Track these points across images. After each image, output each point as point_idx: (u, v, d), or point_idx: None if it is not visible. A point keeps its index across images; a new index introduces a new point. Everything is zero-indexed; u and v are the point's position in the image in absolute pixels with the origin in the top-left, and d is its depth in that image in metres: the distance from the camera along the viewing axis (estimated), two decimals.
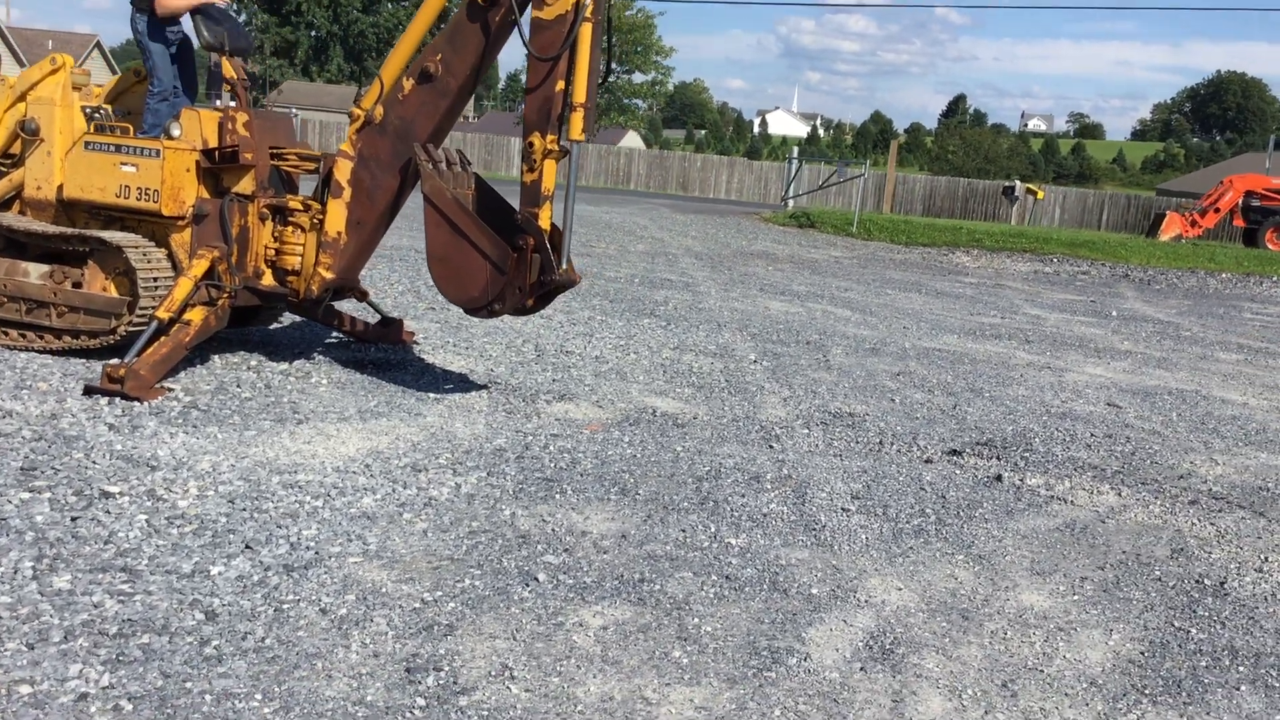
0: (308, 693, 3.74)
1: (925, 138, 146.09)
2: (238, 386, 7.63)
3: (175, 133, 7.90)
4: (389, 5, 68.11)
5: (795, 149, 38.36)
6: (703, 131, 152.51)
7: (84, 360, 7.85)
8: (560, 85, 7.13)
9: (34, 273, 8.05)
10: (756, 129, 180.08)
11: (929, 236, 24.47)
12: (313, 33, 69.93)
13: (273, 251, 8.09)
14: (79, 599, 4.32)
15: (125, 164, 7.86)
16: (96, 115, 8.45)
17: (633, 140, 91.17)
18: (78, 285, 7.93)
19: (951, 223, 29.69)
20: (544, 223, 7.25)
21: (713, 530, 5.52)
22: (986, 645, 4.48)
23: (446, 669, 3.95)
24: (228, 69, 8.20)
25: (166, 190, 7.76)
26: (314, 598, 4.49)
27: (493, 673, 3.95)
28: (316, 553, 4.95)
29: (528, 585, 4.71)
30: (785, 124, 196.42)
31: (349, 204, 7.85)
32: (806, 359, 10.15)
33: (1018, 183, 40.87)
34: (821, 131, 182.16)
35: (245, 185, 7.95)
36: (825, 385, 9.08)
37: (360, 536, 5.17)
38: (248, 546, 4.97)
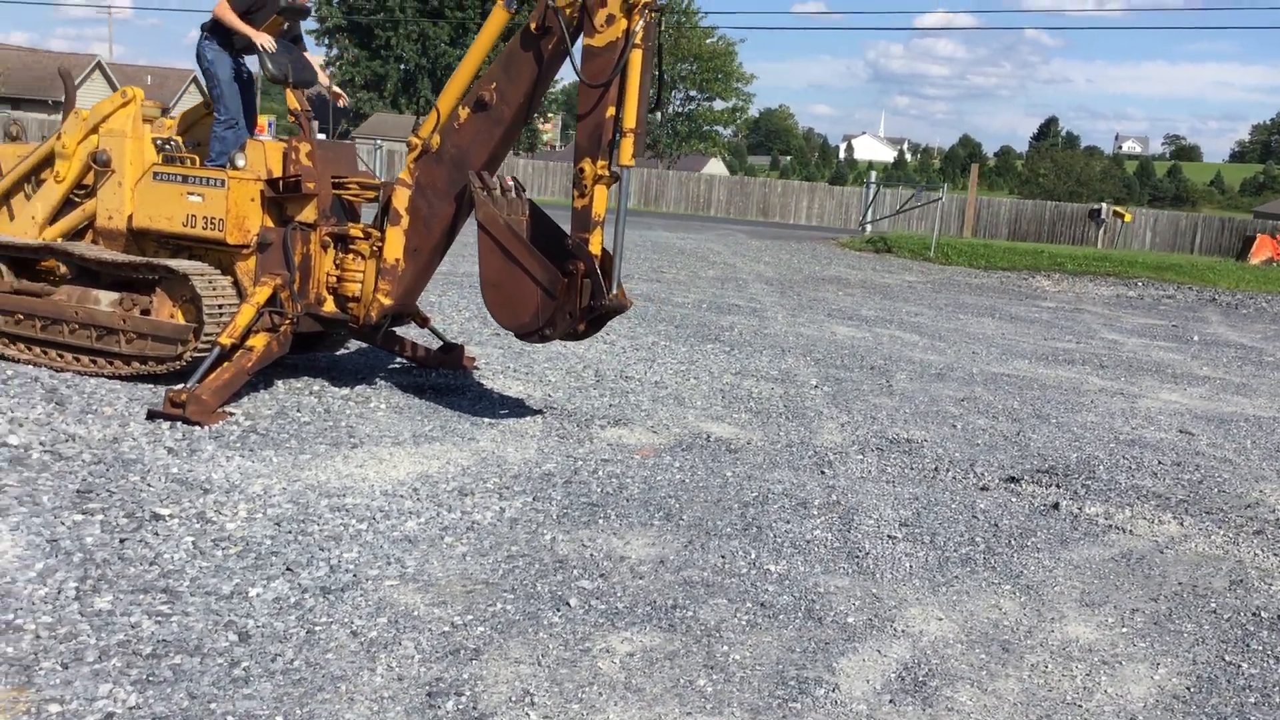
0: (328, 715, 3.76)
1: (1015, 161, 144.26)
2: (298, 411, 7.74)
3: (240, 163, 8.08)
4: (474, 38, 68.84)
5: (873, 173, 38.03)
6: (788, 158, 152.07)
7: (150, 386, 8.02)
8: (611, 111, 7.18)
9: (104, 300, 8.26)
10: (842, 154, 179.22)
11: (1009, 260, 24.13)
12: (401, 66, 71.02)
13: (334, 279, 8.22)
14: (117, 619, 4.40)
15: (192, 194, 8.05)
16: (167, 146, 8.67)
17: (716, 167, 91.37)
18: (146, 312, 8.12)
19: (1033, 246, 29.27)
20: (595, 248, 7.28)
21: (752, 556, 5.47)
22: (1025, 678, 4.37)
23: (468, 694, 3.95)
24: (291, 100, 8.37)
25: (231, 219, 7.93)
26: (347, 620, 4.52)
27: (513, 698, 3.94)
28: (355, 575, 4.99)
29: (559, 610, 4.71)
30: (872, 149, 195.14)
31: (406, 231, 7.96)
32: (869, 384, 10.05)
33: (1104, 205, 40.14)
34: (908, 156, 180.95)
35: (308, 214, 8.10)
36: (885, 411, 8.98)
37: (399, 560, 5.21)
38: (288, 569, 5.04)
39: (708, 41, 60.83)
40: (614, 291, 7.28)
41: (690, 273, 18.82)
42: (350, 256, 8.18)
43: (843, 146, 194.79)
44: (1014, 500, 6.69)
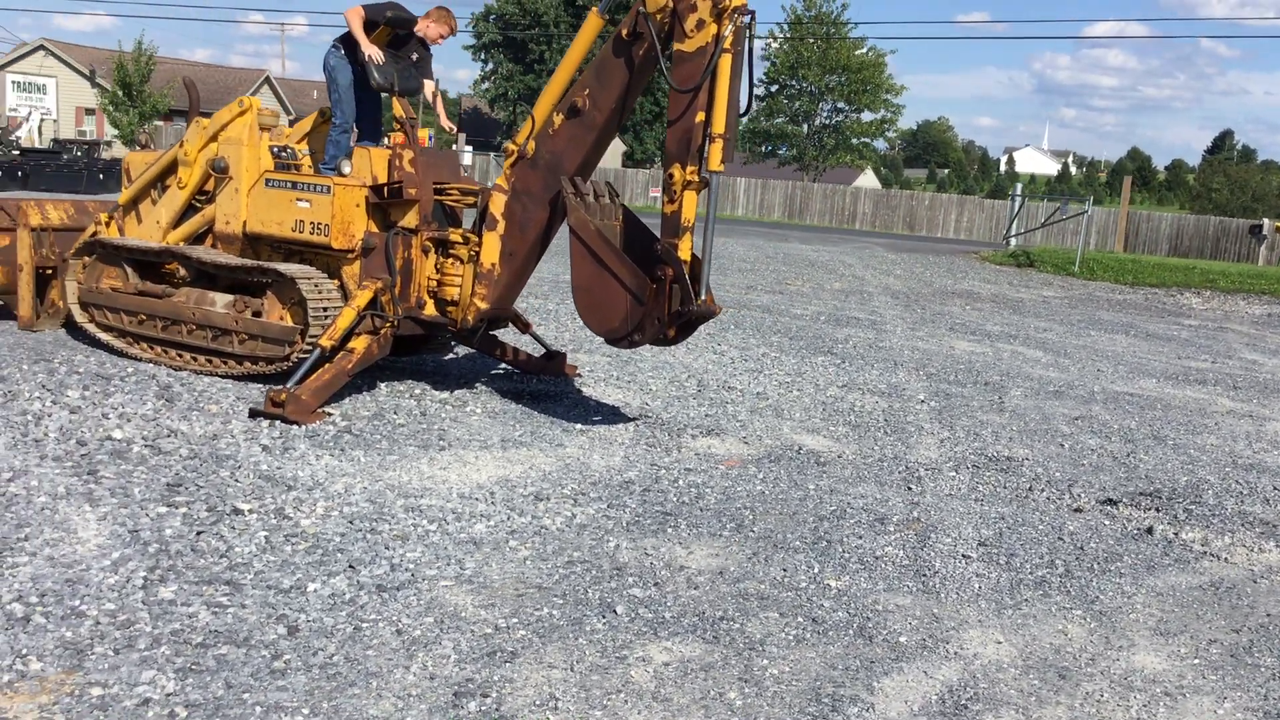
0: (352, 710, 3.82)
1: (1187, 175, 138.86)
2: (394, 413, 7.90)
3: (346, 170, 8.30)
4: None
5: (1018, 186, 37.02)
6: (945, 170, 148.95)
7: (259, 385, 8.28)
8: (700, 117, 7.13)
9: (219, 302, 8.56)
10: (1003, 167, 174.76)
11: (1157, 277, 23.25)
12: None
13: (434, 283, 8.37)
14: (177, 609, 4.55)
15: (300, 200, 8.30)
16: (283, 154, 8.95)
17: (868, 179, 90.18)
18: (257, 314, 8.39)
19: (1186, 262, 28.16)
20: (684, 253, 7.24)
21: (815, 571, 5.37)
22: (1076, 708, 4.19)
23: (494, 695, 3.97)
24: (397, 108, 8.57)
25: (337, 225, 8.14)
26: (395, 618, 4.59)
27: (538, 702, 3.94)
28: (413, 574, 5.06)
29: (604, 617, 4.69)
30: (1034, 162, 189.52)
31: (502, 236, 8.07)
32: (980, 400, 9.79)
33: (1266, 221, 38.35)
34: (1074, 169, 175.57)
35: (410, 219, 8.27)
36: (991, 428, 8.73)
37: (460, 561, 5.26)
38: (351, 566, 5.14)
39: (857, 53, 60.12)
40: (702, 297, 7.23)
41: (815, 285, 18.63)
42: (450, 261, 8.33)
43: (1003, 159, 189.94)
44: (1107, 523, 6.43)
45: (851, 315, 14.90)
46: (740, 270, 20.13)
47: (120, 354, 8.95)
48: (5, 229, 9.66)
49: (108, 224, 9.61)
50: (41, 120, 25.94)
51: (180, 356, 8.75)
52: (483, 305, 8.19)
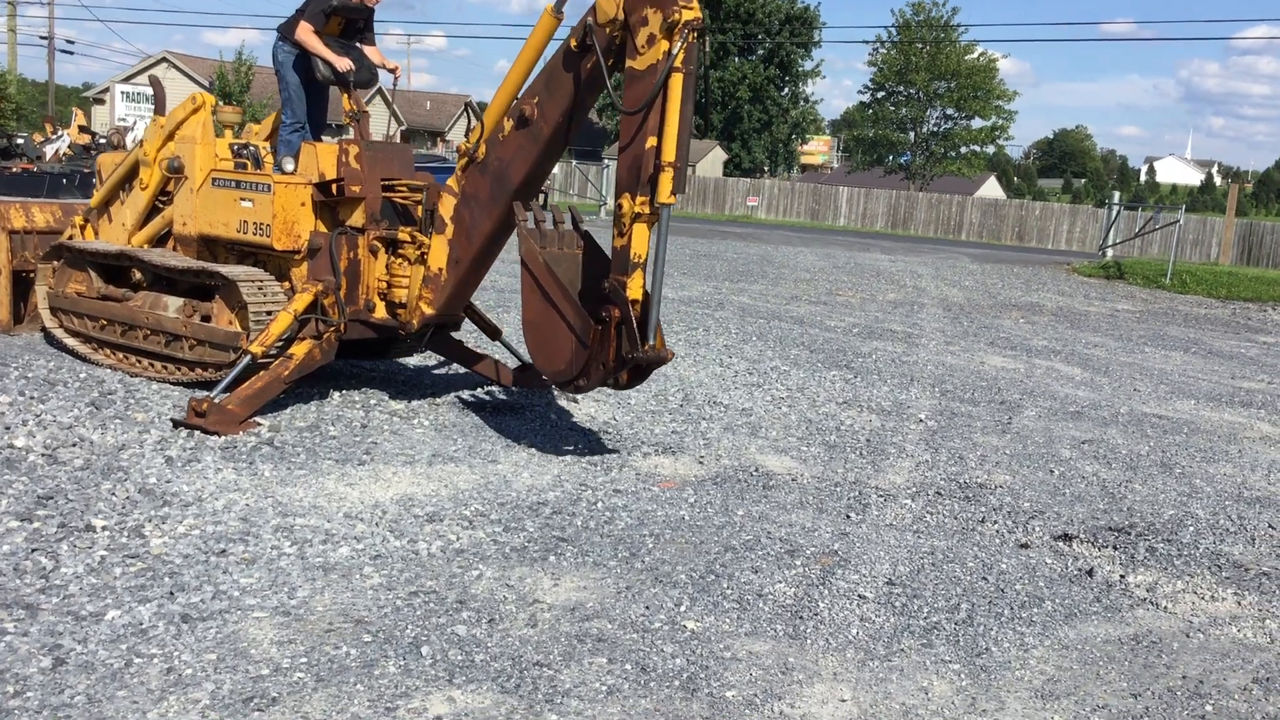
0: None
1: None
2: (333, 424, 7.50)
3: (288, 167, 7.94)
4: (735, 60, 68.97)
5: (1116, 194, 35.41)
6: (1082, 180, 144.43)
7: (208, 393, 7.96)
8: (652, 142, 6.51)
9: (172, 306, 8.28)
10: (1143, 177, 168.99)
11: (1254, 291, 21.83)
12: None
13: (384, 284, 7.96)
14: None
15: (244, 199, 7.97)
16: (244, 152, 8.65)
17: (992, 188, 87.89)
18: (206, 319, 8.08)
19: None
20: (633, 292, 6.58)
21: (680, 610, 4.79)
22: None
23: None
24: (346, 102, 8.20)
25: (279, 224, 7.79)
26: (176, 654, 4.15)
27: None
28: (231, 604, 4.63)
29: (405, 659, 4.19)
30: (1176, 171, 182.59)
31: (450, 240, 7.61)
32: (986, 420, 9.02)
33: None
34: (1217, 179, 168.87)
35: (356, 218, 7.88)
36: (982, 451, 7.99)
37: (294, 589, 4.81)
38: (171, 592, 4.73)
39: (967, 59, 58.62)
40: (650, 341, 6.51)
41: (868, 295, 17.82)
42: (399, 261, 7.91)
43: (1144, 169, 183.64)
44: (1049, 562, 5.69)
45: (888, 328, 14.12)
46: (797, 280, 19.42)
47: (84, 359, 8.73)
48: None
49: (82, 227, 9.43)
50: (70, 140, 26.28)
51: (139, 362, 8.49)
52: (428, 310, 7.75)
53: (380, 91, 75.21)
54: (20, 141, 37.17)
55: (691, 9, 6.47)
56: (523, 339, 7.59)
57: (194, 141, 8.40)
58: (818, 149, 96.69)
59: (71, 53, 63.15)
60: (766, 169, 69.99)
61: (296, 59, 8.37)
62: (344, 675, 4.03)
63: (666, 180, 6.44)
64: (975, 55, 59.04)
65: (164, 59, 70.19)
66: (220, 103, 8.71)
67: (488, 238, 7.53)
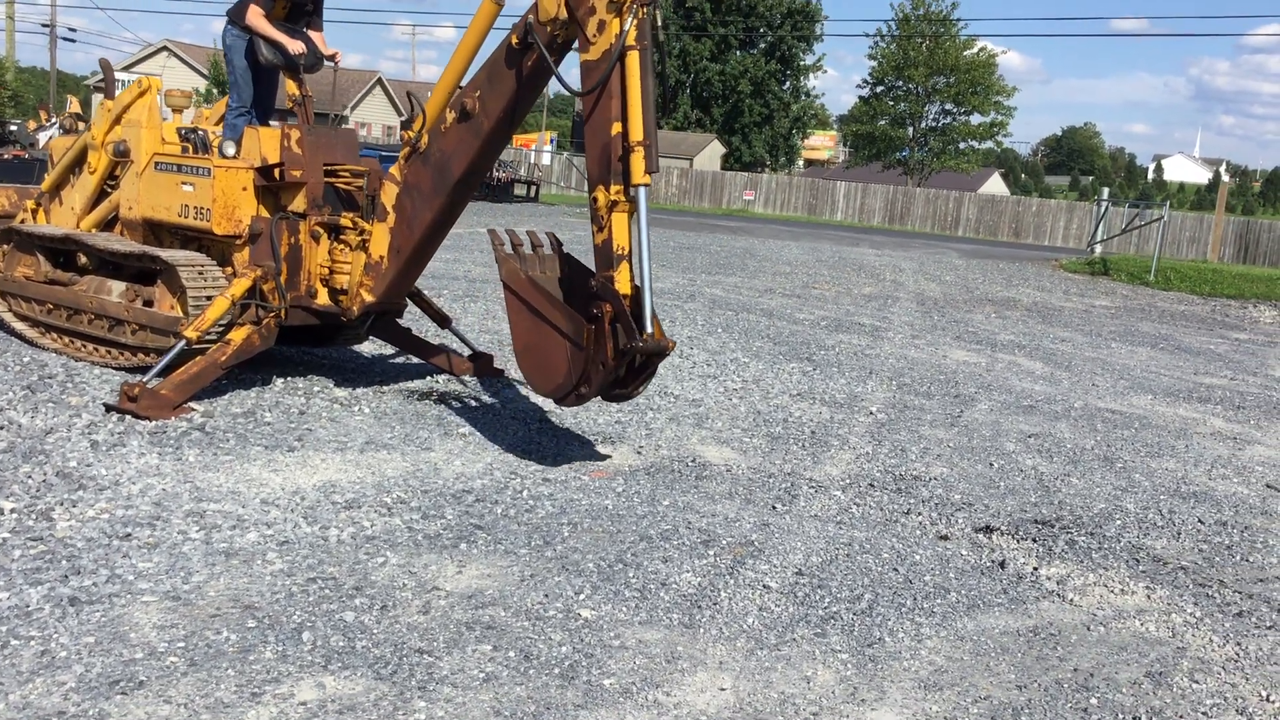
0: None
1: None
2: (271, 410, 7.45)
3: (229, 151, 7.88)
4: (736, 54, 68.82)
5: (1105, 191, 35.27)
6: (1089, 178, 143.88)
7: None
8: (617, 128, 6.32)
9: (115, 291, 8.22)
10: (1150, 175, 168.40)
11: (1236, 288, 21.74)
12: (663, 83, 71.76)
13: (326, 270, 7.90)
14: None
15: (185, 183, 7.92)
16: (192, 136, 8.58)
17: (995, 184, 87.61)
18: (149, 303, 8.03)
19: (1274, 272, 26.29)
20: (622, 286, 6.26)
21: (578, 598, 4.74)
22: None
23: None
24: (291, 87, 8.13)
25: (219, 209, 7.74)
26: (54, 637, 4.10)
27: None
28: (122, 587, 4.58)
29: (284, 644, 4.14)
30: (1184, 170, 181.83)
31: (392, 229, 7.54)
32: (936, 414, 8.95)
33: None
34: (1225, 178, 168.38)
35: (298, 203, 7.81)
36: (926, 444, 7.93)
37: (191, 574, 4.77)
38: (67, 575, 4.69)
39: (966, 54, 58.41)
40: (649, 330, 6.14)
41: (844, 288, 17.75)
42: (341, 247, 7.85)
43: (1152, 167, 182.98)
44: (964, 554, 5.63)
45: (858, 321, 14.04)
46: (775, 274, 19.35)
47: (31, 343, 8.69)
48: None
49: (34, 211, 9.38)
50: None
51: (84, 347, 8.44)
52: (369, 298, 7.69)
53: (380, 81, 75.23)
54: (14, 128, 37.17)
55: None
56: (515, 366, 7.39)
57: (139, 125, 8.34)
58: (823, 144, 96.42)
59: (74, 40, 63.04)
60: (767, 163, 69.86)
61: (244, 43, 8.30)
62: (217, 660, 3.98)
63: (638, 160, 6.23)
64: (975, 50, 58.82)
65: (164, 48, 70.22)
66: (211, 92, 8.63)
67: (429, 228, 7.46)
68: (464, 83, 7.33)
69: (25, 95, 48.46)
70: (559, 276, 7.18)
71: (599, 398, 6.63)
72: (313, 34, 8.44)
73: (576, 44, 6.65)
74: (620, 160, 6.31)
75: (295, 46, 8.09)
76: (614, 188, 6.32)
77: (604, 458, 7.06)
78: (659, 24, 6.65)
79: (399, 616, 4.46)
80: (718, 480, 6.73)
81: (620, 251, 6.30)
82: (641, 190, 6.28)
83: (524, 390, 8.66)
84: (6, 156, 29.23)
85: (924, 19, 58.83)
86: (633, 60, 6.30)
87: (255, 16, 8.10)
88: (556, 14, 6.55)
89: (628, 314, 6.15)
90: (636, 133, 6.25)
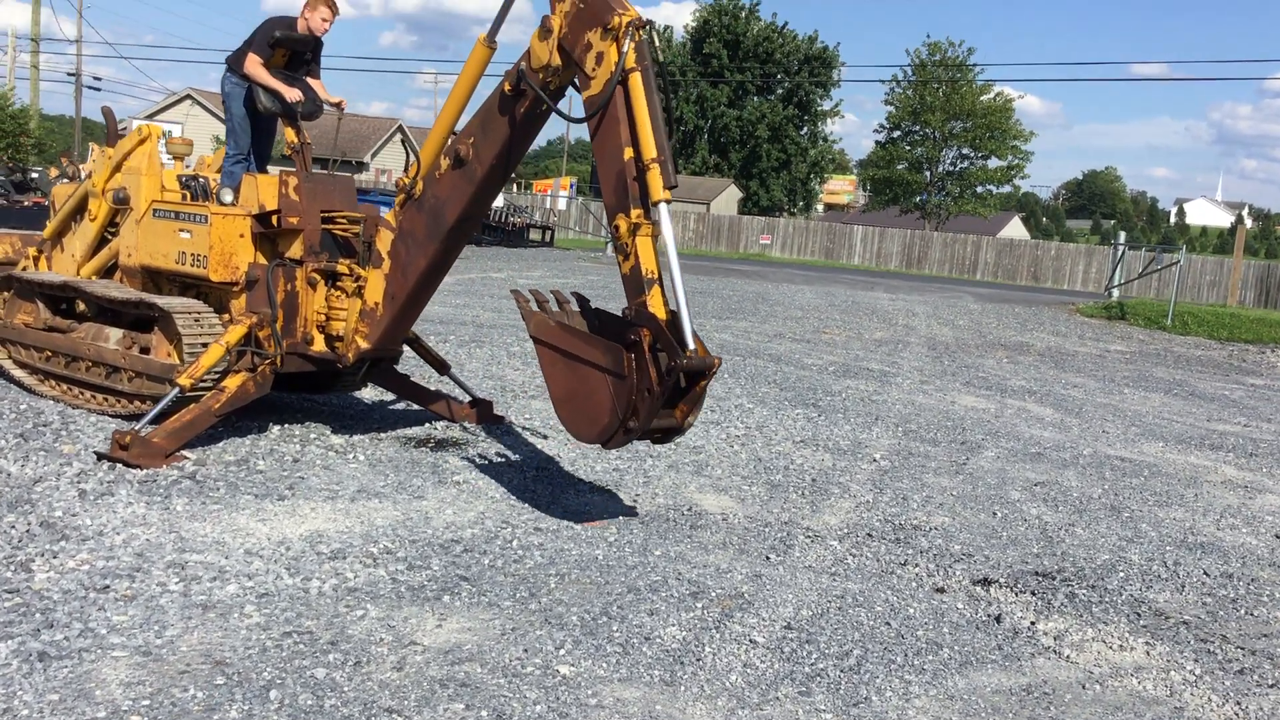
0: None
1: None
2: (264, 458, 7.38)
3: (226, 199, 7.88)
4: (754, 99, 69.14)
5: (1121, 235, 35.10)
6: (1111, 222, 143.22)
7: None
8: (629, 152, 6.18)
9: (112, 338, 8.20)
10: (1173, 219, 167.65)
11: (1255, 333, 21.51)
12: (681, 128, 72.16)
13: (322, 316, 7.86)
14: None
15: (182, 230, 7.90)
16: (193, 184, 8.59)
17: (1016, 228, 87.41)
18: (146, 350, 8.00)
19: None
20: (656, 309, 5.99)
21: (558, 653, 4.62)
22: None
23: None
24: (290, 134, 8.14)
25: (215, 255, 7.72)
26: (17, 694, 4.01)
27: None
28: (95, 642, 4.49)
29: (251, 703, 4.03)
30: (1207, 213, 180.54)
31: (387, 275, 7.50)
32: (941, 461, 8.81)
33: None
34: (1248, 221, 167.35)
35: (295, 250, 7.79)
36: (928, 492, 7.79)
37: (166, 628, 4.68)
38: (40, 629, 4.59)
39: (983, 99, 58.51)
40: (691, 347, 5.85)
41: (855, 333, 17.63)
42: (337, 294, 7.81)
43: (1174, 211, 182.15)
44: (960, 607, 5.49)
45: (866, 366, 13.92)
46: (786, 318, 19.26)
47: (30, 391, 8.67)
48: None
49: (36, 258, 9.39)
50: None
51: (82, 394, 8.42)
52: (364, 344, 7.64)
53: (401, 129, 75.82)
54: (35, 176, 37.55)
55: (628, 10, 6.29)
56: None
57: (139, 173, 8.35)
58: (843, 188, 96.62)
59: (99, 89, 63.69)
60: (786, 208, 69.99)
61: (242, 91, 8.32)
62: None
63: (655, 177, 6.05)
64: (991, 95, 58.91)
65: (188, 95, 70.95)
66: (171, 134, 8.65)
67: (423, 274, 7.41)
68: (458, 128, 7.31)
69: (50, 144, 48.91)
70: (589, 325, 7.03)
71: (648, 441, 6.34)
72: (311, 81, 8.45)
73: (576, 82, 6.61)
74: (636, 181, 6.15)
75: (292, 94, 8.10)
76: (634, 212, 6.14)
77: (599, 506, 6.96)
78: (656, 44, 6.57)
79: (372, 673, 4.36)
80: (712, 529, 6.62)
81: (650, 275, 6.09)
82: (663, 207, 6.08)
83: (524, 437, 8.58)
84: (27, 203, 29.57)
85: (940, 64, 59.00)
86: (635, 81, 6.17)
87: (253, 65, 8.13)
88: (549, 61, 6.52)
89: (667, 334, 5.90)
90: (649, 151, 6.09)
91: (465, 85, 7.25)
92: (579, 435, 6.41)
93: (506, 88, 6.81)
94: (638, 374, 5.92)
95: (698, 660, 4.63)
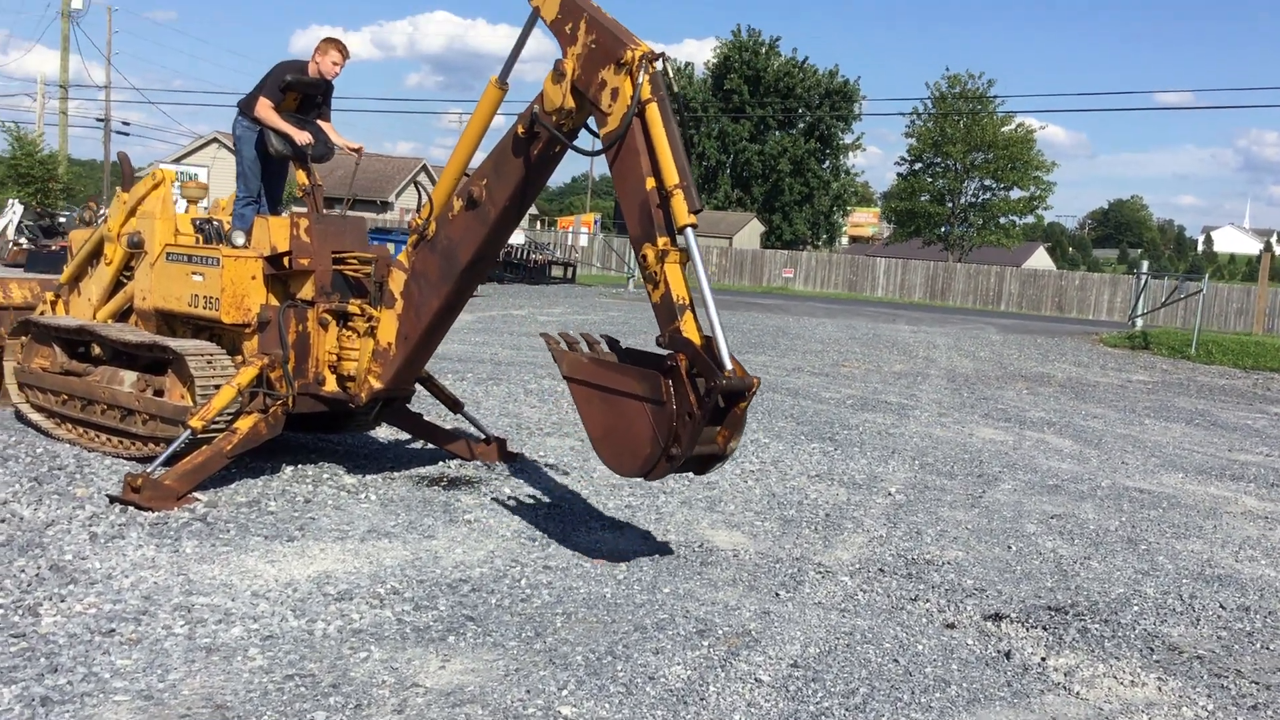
0: None
1: None
2: (276, 499, 7.40)
3: (239, 241, 7.94)
4: (775, 134, 69.37)
5: (1144, 264, 34.90)
6: (1138, 251, 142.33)
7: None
8: (651, 183, 6.17)
9: (127, 381, 8.25)
10: (1200, 247, 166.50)
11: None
12: (703, 163, 72.48)
13: (334, 357, 7.89)
14: None
15: (195, 273, 7.96)
16: (207, 226, 8.67)
17: (1041, 258, 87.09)
18: (160, 393, 8.04)
19: None
20: (690, 334, 5.91)
21: (561, 693, 4.59)
22: None
23: None
24: (301, 177, 8.21)
25: (227, 298, 7.77)
26: None
27: None
28: (97, 686, 4.50)
29: None
30: (1235, 241, 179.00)
31: (399, 316, 7.54)
32: (957, 494, 8.75)
33: None
34: (1277, 249, 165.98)
35: (306, 291, 7.84)
36: (943, 526, 7.73)
37: (169, 671, 4.68)
38: (43, 673, 4.60)
39: (1004, 130, 58.50)
40: (728, 368, 5.72)
41: (874, 365, 17.57)
42: (349, 334, 7.85)
43: (1201, 239, 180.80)
44: (969, 643, 5.43)
45: (884, 399, 13.86)
46: (806, 352, 19.22)
47: (46, 434, 8.73)
48: None
49: (53, 302, 9.49)
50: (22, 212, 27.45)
51: (97, 437, 8.47)
52: (377, 384, 7.67)
53: (425, 168, 76.37)
54: (63, 220, 37.95)
55: (640, 45, 6.28)
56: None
57: (153, 217, 8.43)
58: (867, 220, 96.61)
59: (127, 134, 64.53)
60: (809, 241, 70.03)
61: (254, 134, 8.40)
62: None
63: (679, 202, 6.02)
64: (1013, 126, 58.90)
65: (215, 139, 71.72)
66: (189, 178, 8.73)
67: (436, 314, 7.44)
68: (471, 168, 7.36)
69: (79, 188, 49.51)
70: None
71: (690, 473, 6.30)
72: (322, 124, 8.52)
73: (594, 121, 6.62)
74: (660, 208, 6.12)
75: (302, 138, 8.18)
76: (661, 240, 6.10)
77: (610, 543, 6.93)
78: (670, 75, 6.57)
79: (372, 716, 4.34)
80: (722, 566, 6.58)
81: (681, 301, 6.03)
82: (690, 233, 6.04)
83: (539, 474, 8.57)
84: (55, 248, 29.91)
85: (960, 97, 59.07)
86: (652, 111, 6.17)
87: (264, 109, 8.21)
88: (562, 104, 6.55)
89: (704, 356, 5.77)
90: (671, 178, 6.06)
91: (477, 126, 7.30)
92: (621, 470, 6.33)
93: (520, 130, 6.84)
94: (677, 399, 5.83)
95: (701, 700, 4.59)
